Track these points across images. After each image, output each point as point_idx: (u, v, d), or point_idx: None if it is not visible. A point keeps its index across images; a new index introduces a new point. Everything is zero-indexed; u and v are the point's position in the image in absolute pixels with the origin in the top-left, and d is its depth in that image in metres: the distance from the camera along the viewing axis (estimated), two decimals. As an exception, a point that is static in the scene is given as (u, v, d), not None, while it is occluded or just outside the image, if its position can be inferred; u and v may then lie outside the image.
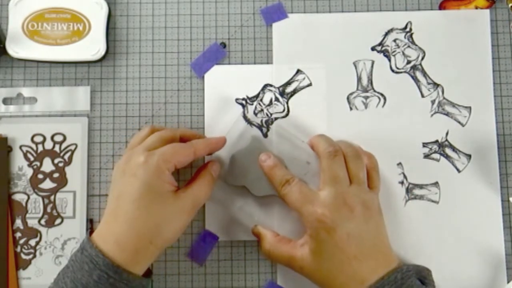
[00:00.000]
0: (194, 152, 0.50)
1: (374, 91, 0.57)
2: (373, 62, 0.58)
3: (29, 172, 0.56)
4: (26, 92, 0.57)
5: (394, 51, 0.58)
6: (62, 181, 0.56)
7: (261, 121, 0.57)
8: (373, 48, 0.58)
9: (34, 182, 0.56)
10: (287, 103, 0.57)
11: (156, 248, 0.47)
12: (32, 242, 0.55)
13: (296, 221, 0.54)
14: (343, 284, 0.47)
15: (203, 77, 0.58)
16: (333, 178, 0.49)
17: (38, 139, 0.57)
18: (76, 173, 0.56)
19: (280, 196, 0.52)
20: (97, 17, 0.57)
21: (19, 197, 0.56)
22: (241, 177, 0.54)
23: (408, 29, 0.58)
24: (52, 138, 0.57)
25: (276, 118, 0.57)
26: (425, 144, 0.57)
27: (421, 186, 0.56)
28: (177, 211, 0.48)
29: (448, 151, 0.57)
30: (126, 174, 0.47)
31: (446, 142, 0.57)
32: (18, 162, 0.56)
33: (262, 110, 0.57)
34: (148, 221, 0.46)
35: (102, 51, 0.56)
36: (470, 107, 0.57)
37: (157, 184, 0.47)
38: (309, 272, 0.49)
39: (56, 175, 0.56)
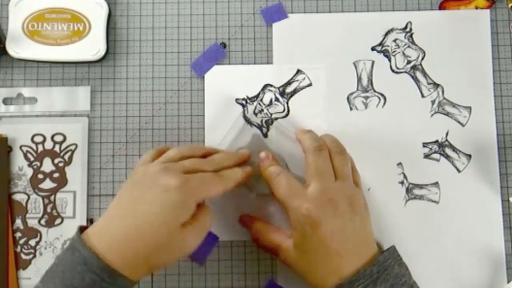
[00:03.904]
0: (225, 189, 0.48)
1: (374, 91, 0.57)
2: (373, 62, 0.58)
3: (29, 172, 0.56)
4: (26, 92, 0.58)
5: (394, 51, 0.58)
6: (62, 181, 0.56)
7: (261, 121, 0.57)
8: (373, 48, 0.58)
9: (34, 182, 0.56)
10: (287, 103, 0.57)
11: (149, 267, 0.45)
12: (32, 242, 0.55)
13: None
14: (322, 278, 0.47)
15: (203, 77, 0.58)
16: (318, 173, 0.49)
17: (38, 139, 0.57)
18: (76, 173, 0.56)
19: (270, 188, 0.52)
20: (97, 17, 0.57)
21: (19, 197, 0.56)
22: None
23: (408, 29, 0.58)
24: (52, 138, 0.57)
25: (276, 118, 0.57)
26: (425, 144, 0.57)
27: (421, 186, 0.56)
28: (181, 245, 0.46)
29: (448, 151, 0.57)
30: (152, 187, 0.45)
31: (446, 142, 0.57)
32: (18, 162, 0.56)
33: (262, 110, 0.57)
34: (150, 242, 0.44)
35: (102, 51, 0.56)
36: (470, 107, 0.57)
37: (177, 214, 0.45)
38: (291, 263, 0.49)
39: (56, 175, 0.56)
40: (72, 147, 0.57)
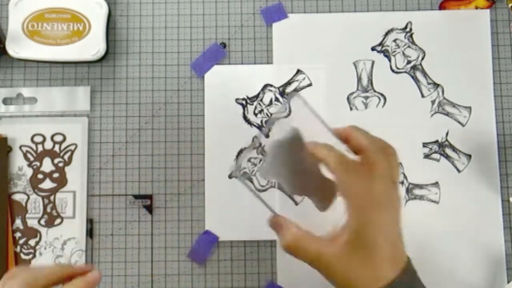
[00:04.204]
0: None
1: (374, 91, 0.57)
2: (373, 62, 0.58)
3: (29, 172, 0.56)
4: (26, 92, 0.57)
5: (394, 51, 0.58)
6: (62, 181, 0.56)
7: (261, 121, 0.57)
8: (373, 48, 0.58)
9: (34, 182, 0.56)
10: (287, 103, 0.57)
11: None
12: (32, 242, 0.55)
13: (310, 224, 0.52)
14: (364, 284, 0.45)
15: (203, 77, 0.58)
16: (393, 175, 0.46)
17: (38, 139, 0.57)
18: (76, 173, 0.56)
19: (335, 172, 0.45)
20: (97, 17, 0.57)
21: (19, 197, 0.56)
22: (276, 172, 0.51)
23: (408, 29, 0.58)
24: (52, 138, 0.57)
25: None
26: (425, 144, 0.57)
27: (421, 186, 0.56)
28: None
29: (448, 151, 0.57)
30: None
31: (446, 142, 0.57)
32: (18, 162, 0.56)
33: (262, 110, 0.57)
34: None
35: (102, 51, 0.56)
36: (470, 107, 0.57)
37: None
38: (335, 269, 0.45)
39: (56, 175, 0.56)
40: (72, 147, 0.57)
